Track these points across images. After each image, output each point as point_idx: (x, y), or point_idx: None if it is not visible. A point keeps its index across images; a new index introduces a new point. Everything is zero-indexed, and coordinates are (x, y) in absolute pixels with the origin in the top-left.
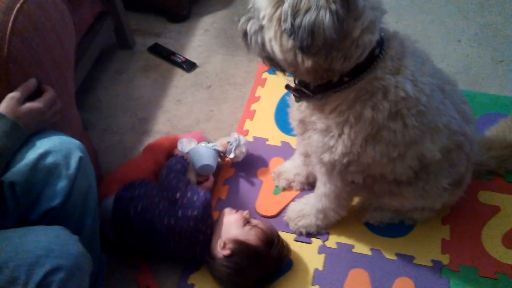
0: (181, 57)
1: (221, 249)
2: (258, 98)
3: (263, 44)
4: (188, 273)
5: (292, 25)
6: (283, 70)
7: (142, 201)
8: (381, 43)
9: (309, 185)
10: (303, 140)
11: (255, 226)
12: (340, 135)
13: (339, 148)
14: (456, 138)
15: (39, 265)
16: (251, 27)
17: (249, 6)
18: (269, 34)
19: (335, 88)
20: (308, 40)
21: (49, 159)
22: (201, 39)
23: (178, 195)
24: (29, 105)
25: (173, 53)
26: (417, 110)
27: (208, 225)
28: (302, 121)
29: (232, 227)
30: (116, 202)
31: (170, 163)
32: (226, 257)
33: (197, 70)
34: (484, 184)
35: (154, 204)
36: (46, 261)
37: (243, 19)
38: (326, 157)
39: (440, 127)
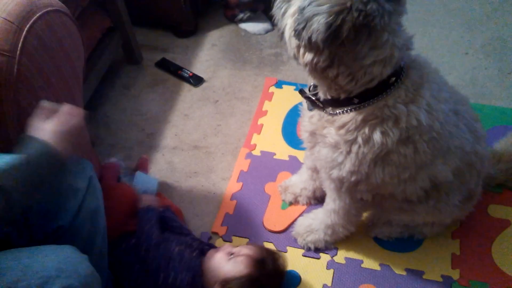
0: (189, 72)
1: None
2: (265, 112)
3: (280, 19)
4: None
5: (301, 9)
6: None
7: (125, 280)
8: (398, 72)
9: (316, 199)
10: (312, 155)
11: (238, 255)
12: (348, 153)
13: (347, 166)
14: (468, 158)
15: (48, 286)
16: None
17: None
18: (290, 10)
19: (344, 106)
20: (300, 28)
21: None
22: (208, 54)
23: (161, 277)
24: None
25: (181, 68)
26: (429, 137)
27: None
28: (312, 134)
29: (219, 267)
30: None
31: (146, 233)
32: None
33: (204, 84)
34: (494, 198)
35: (138, 284)
36: (56, 282)
37: None
38: (335, 173)
39: (453, 150)
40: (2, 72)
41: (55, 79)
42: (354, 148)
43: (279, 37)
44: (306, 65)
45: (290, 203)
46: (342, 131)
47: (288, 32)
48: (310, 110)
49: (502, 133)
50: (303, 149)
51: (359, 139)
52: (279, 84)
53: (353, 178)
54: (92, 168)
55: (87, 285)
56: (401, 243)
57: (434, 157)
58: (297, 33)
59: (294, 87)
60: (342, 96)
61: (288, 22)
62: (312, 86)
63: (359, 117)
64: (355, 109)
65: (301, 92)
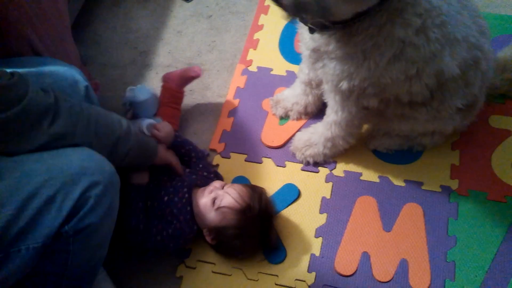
0: None
1: (207, 238)
2: (261, 27)
3: (326, 7)
4: None
5: None
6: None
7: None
8: None
9: (307, 115)
10: (315, 70)
11: (220, 206)
12: (364, 60)
13: (362, 73)
14: (474, 53)
15: (75, 183)
16: None
17: None
18: None
19: (363, 15)
20: None
21: (57, 88)
22: None
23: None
24: None
25: None
26: (440, 21)
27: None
28: (316, 50)
29: (204, 215)
30: None
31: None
32: (215, 245)
33: None
34: (495, 108)
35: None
36: (82, 178)
37: None
38: (345, 84)
39: (459, 39)
40: None
41: None
42: (373, 52)
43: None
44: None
45: (281, 118)
46: (362, 41)
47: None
48: (312, 33)
49: (508, 42)
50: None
51: (380, 40)
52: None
53: (366, 84)
54: (86, 78)
55: (112, 181)
56: (400, 155)
57: (442, 46)
58: None
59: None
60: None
61: None
62: None
63: (383, 18)
64: (376, 11)
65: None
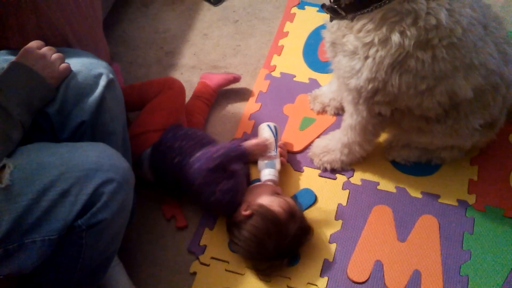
0: None
1: (243, 210)
2: (286, 34)
3: None
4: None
5: None
6: None
7: (179, 155)
8: None
9: (344, 110)
10: (333, 65)
11: (281, 196)
12: (366, 58)
13: (365, 73)
14: (492, 79)
15: (90, 178)
16: None
17: None
18: None
19: (365, 7)
20: None
21: (80, 78)
22: None
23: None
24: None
25: None
26: (449, 42)
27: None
28: (333, 44)
29: (260, 194)
30: (154, 148)
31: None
32: (246, 218)
33: (224, 4)
34: None
35: (189, 165)
36: (96, 174)
37: None
38: (353, 82)
39: (476, 64)
40: None
41: None
42: (372, 51)
43: None
44: None
45: (318, 113)
46: (361, 34)
47: None
48: (331, 21)
49: None
50: (324, 72)
51: (376, 40)
52: (301, 5)
53: (370, 86)
54: (113, 72)
55: (126, 179)
56: (419, 167)
57: (455, 68)
58: None
59: (317, 8)
60: None
61: None
62: None
63: (378, 15)
64: (375, 7)
65: (323, 6)
